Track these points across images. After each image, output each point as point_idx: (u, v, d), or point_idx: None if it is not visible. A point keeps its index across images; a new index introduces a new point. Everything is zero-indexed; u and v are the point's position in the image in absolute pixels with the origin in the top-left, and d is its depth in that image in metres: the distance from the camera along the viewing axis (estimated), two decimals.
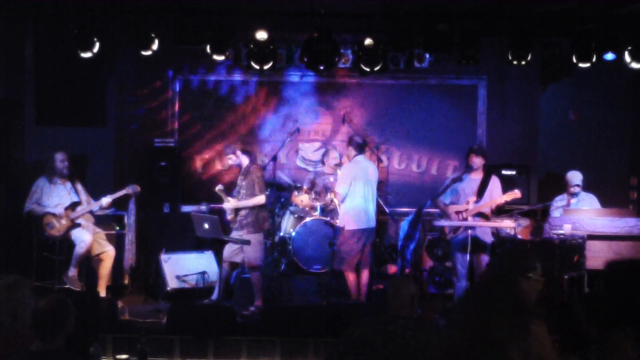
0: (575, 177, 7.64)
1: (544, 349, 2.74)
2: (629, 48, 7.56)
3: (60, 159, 7.34)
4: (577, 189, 7.65)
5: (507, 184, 7.72)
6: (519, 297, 2.77)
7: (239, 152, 7.16)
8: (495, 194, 7.16)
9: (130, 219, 7.97)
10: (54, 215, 7.22)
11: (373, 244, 7.60)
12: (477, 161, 7.20)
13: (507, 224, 7.27)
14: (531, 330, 2.70)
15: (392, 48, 7.75)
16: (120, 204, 7.77)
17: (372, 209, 7.28)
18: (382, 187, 7.97)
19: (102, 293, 7.24)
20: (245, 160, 7.16)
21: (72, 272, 7.19)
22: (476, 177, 7.24)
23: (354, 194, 7.19)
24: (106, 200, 7.39)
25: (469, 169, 7.23)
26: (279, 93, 9.29)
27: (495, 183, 7.24)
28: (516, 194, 7.06)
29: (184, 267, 7.81)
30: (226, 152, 7.24)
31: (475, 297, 2.80)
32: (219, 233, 6.79)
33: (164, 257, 7.82)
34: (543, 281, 3.16)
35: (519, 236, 7.63)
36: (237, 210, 7.11)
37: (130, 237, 7.96)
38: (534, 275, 3.02)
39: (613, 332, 2.93)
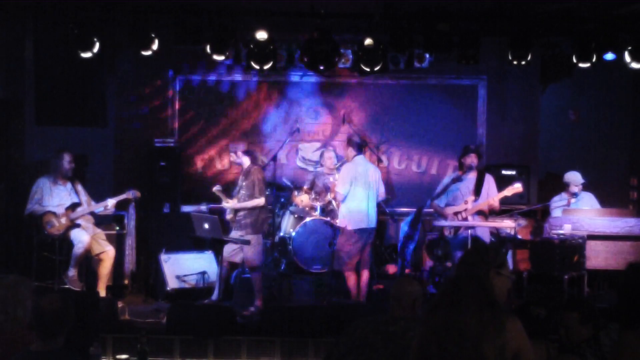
0: (577, 177, 7.64)
1: (521, 345, 2.74)
2: (629, 48, 7.56)
3: (67, 160, 7.36)
4: (578, 189, 7.65)
5: (507, 184, 7.73)
6: (492, 293, 2.77)
7: (240, 153, 7.16)
8: (492, 192, 7.19)
9: (130, 223, 7.98)
10: (54, 214, 7.22)
11: (373, 244, 7.60)
12: (476, 161, 7.22)
13: (507, 224, 7.27)
14: (506, 326, 2.70)
15: (392, 48, 7.76)
16: (120, 205, 7.76)
17: (372, 209, 7.27)
18: (386, 189, 7.96)
19: (102, 293, 7.24)
20: (246, 161, 7.17)
21: (72, 272, 7.19)
22: (472, 176, 7.26)
23: (354, 194, 7.19)
24: (111, 202, 7.40)
25: (468, 168, 7.23)
26: (280, 93, 9.30)
27: (490, 182, 7.28)
28: (517, 188, 7.07)
29: (184, 267, 7.81)
30: (230, 149, 7.27)
31: (448, 294, 2.79)
32: (219, 233, 6.80)
33: (164, 257, 7.82)
34: (513, 278, 3.17)
35: (519, 236, 7.64)
36: (236, 210, 7.12)
37: (130, 242, 7.97)
38: (504, 271, 3.04)
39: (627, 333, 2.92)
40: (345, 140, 7.64)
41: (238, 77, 9.18)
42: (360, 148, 7.37)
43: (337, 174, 8.06)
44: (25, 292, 3.79)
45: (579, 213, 7.31)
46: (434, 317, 2.75)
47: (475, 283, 2.75)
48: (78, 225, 7.30)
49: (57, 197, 7.31)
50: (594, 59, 7.64)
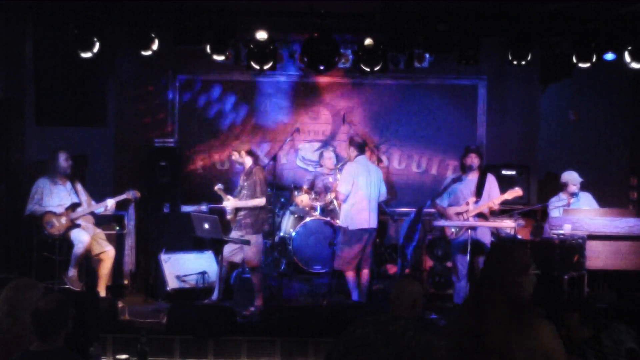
0: (575, 176, 7.65)
1: (552, 348, 2.70)
2: (629, 48, 7.56)
3: (64, 158, 7.35)
4: (577, 188, 7.66)
5: (507, 184, 7.73)
6: (521, 297, 2.75)
7: (243, 153, 7.18)
8: (494, 193, 7.16)
9: (129, 223, 7.97)
10: (54, 214, 7.22)
11: (373, 244, 7.60)
12: (477, 161, 7.21)
13: (507, 224, 7.26)
14: (536, 330, 2.67)
15: (392, 48, 7.76)
16: (120, 205, 7.77)
17: (373, 209, 7.27)
18: (390, 192, 7.99)
19: (102, 293, 7.24)
20: (248, 161, 7.18)
21: (72, 272, 7.20)
22: (473, 177, 7.24)
23: (356, 194, 7.19)
24: (111, 202, 7.41)
25: (469, 169, 7.22)
26: (279, 92, 9.30)
27: (492, 182, 7.24)
28: (517, 191, 7.06)
29: (184, 267, 7.81)
30: (233, 148, 7.28)
31: (477, 300, 2.76)
32: (219, 233, 6.79)
33: (164, 257, 7.82)
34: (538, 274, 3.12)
35: (519, 236, 7.63)
36: (236, 210, 7.12)
37: (130, 242, 7.97)
38: (530, 270, 3.01)
39: None
40: (348, 140, 7.63)
41: (238, 77, 9.18)
42: (362, 148, 7.38)
43: (338, 174, 8.06)
44: (34, 296, 3.79)
45: (579, 213, 7.30)
46: (460, 322, 2.73)
47: (506, 290, 2.72)
48: (78, 225, 7.30)
49: (56, 197, 7.31)
50: (594, 59, 7.65)
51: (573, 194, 7.69)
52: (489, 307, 2.69)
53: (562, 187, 7.77)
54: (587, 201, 7.73)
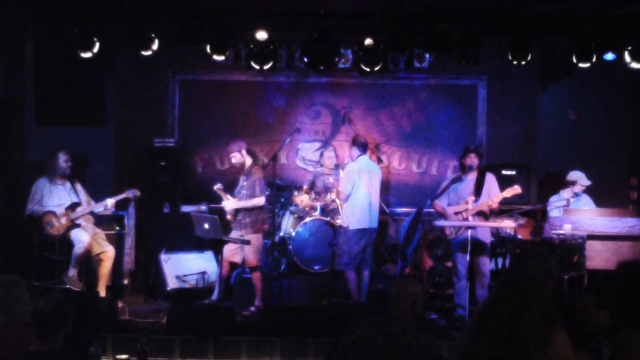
0: (584, 177, 7.65)
1: (565, 356, 2.70)
2: (629, 48, 7.56)
3: (63, 159, 7.35)
4: (581, 190, 7.66)
5: (507, 184, 7.72)
6: (548, 306, 2.73)
7: (244, 152, 7.18)
8: (493, 192, 7.14)
9: (129, 222, 7.98)
10: (54, 214, 7.22)
11: (373, 244, 7.60)
12: (476, 161, 7.20)
13: (507, 224, 7.26)
14: (553, 339, 2.67)
15: (392, 48, 7.76)
16: (120, 205, 7.77)
17: (374, 209, 7.28)
18: (386, 189, 8.01)
19: (102, 293, 7.24)
20: (248, 160, 7.18)
21: (72, 272, 7.19)
22: (472, 177, 7.23)
23: (357, 194, 7.19)
24: (110, 201, 7.40)
25: (469, 169, 7.22)
26: (279, 93, 9.30)
27: (491, 181, 7.23)
28: (516, 189, 7.05)
29: (184, 267, 7.81)
30: (232, 149, 7.25)
31: (510, 305, 2.73)
32: (219, 233, 6.79)
33: (164, 257, 7.82)
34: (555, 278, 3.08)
35: (519, 236, 7.63)
36: (236, 210, 7.12)
37: (129, 241, 7.97)
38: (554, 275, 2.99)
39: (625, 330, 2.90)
40: (351, 140, 7.62)
41: (238, 77, 9.18)
42: (364, 148, 7.38)
43: (341, 173, 8.05)
44: (23, 290, 3.81)
45: (579, 213, 7.30)
46: (491, 324, 2.71)
47: (538, 299, 2.70)
48: (78, 225, 7.30)
49: (56, 197, 7.31)
50: (594, 59, 7.65)
51: (575, 194, 7.68)
52: (525, 315, 2.67)
53: (566, 185, 7.75)
54: (586, 203, 7.72)
